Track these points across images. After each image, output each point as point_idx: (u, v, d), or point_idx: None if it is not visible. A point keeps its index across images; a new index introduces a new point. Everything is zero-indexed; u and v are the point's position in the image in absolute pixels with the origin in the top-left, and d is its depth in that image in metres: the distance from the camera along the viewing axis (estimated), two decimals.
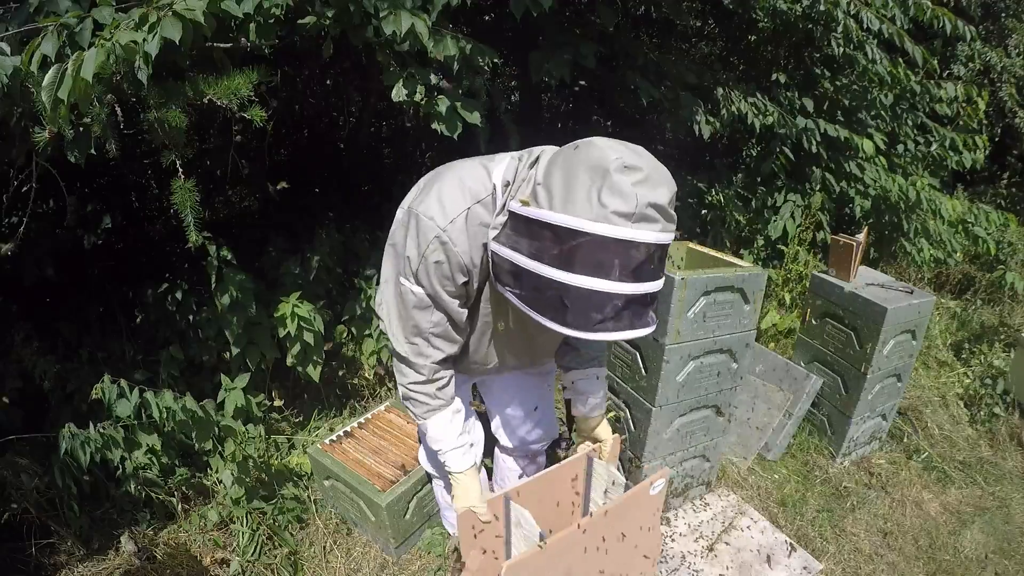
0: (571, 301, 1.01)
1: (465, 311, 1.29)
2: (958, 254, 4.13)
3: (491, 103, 2.27)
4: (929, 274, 4.52)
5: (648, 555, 1.56)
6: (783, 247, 3.60)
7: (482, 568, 1.42)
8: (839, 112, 3.90)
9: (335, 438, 2.19)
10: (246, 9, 1.58)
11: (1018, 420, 3.07)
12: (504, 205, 1.12)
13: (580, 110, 4.83)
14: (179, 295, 2.54)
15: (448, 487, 1.56)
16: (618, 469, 1.67)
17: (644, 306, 1.05)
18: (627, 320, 1.03)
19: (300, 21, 1.81)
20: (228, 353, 2.42)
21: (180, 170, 1.67)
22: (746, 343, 2.14)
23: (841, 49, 3.54)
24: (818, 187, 3.73)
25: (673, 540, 2.19)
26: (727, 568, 2.10)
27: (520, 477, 1.86)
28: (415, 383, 1.34)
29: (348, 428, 2.25)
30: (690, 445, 2.25)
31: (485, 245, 1.17)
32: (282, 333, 2.35)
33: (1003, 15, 5.33)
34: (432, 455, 1.66)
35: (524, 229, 1.05)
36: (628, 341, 2.14)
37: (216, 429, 2.15)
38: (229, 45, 1.80)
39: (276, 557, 2.02)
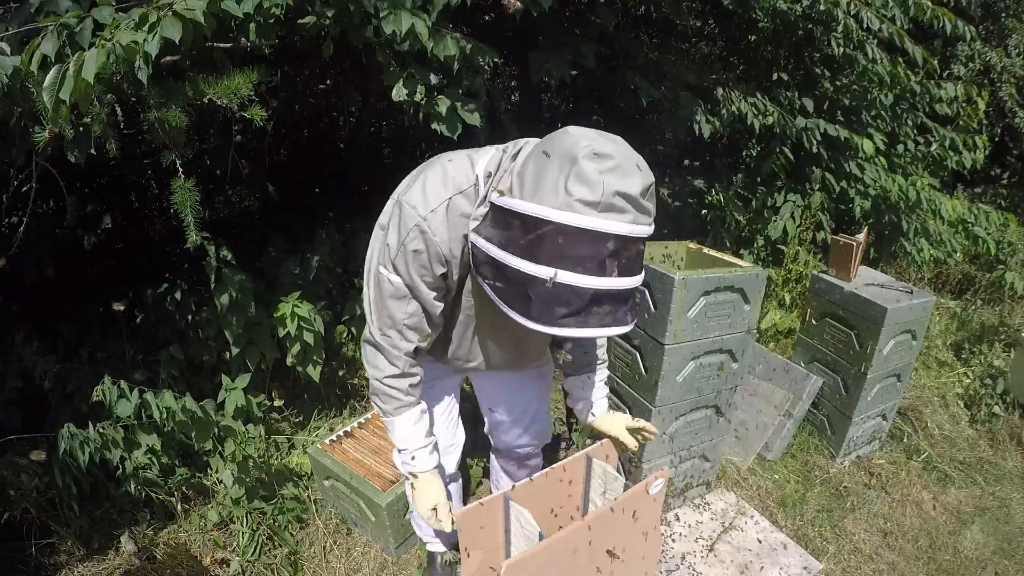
0: (535, 293, 0.98)
1: (441, 304, 1.27)
2: (958, 254, 4.13)
3: (491, 103, 2.27)
4: (929, 274, 4.51)
5: (648, 555, 1.56)
6: (783, 247, 3.60)
7: (481, 568, 1.42)
8: (839, 112, 3.90)
9: (335, 438, 2.19)
10: (246, 9, 1.57)
11: (1018, 420, 3.07)
12: (485, 196, 1.10)
13: (580, 110, 4.82)
14: (179, 295, 2.54)
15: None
16: (617, 469, 1.67)
17: (616, 303, 1.00)
18: (596, 317, 0.98)
19: (300, 21, 1.81)
20: (228, 353, 2.42)
21: (180, 170, 1.67)
22: (746, 343, 2.14)
23: (841, 49, 3.54)
24: (818, 187, 3.73)
25: (673, 540, 2.19)
26: (727, 568, 2.10)
27: (512, 479, 1.85)
28: (390, 377, 1.31)
29: (348, 428, 2.25)
30: (690, 445, 2.25)
31: (466, 236, 1.15)
32: (282, 333, 2.35)
33: (1003, 15, 5.33)
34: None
35: (499, 219, 1.03)
36: (628, 341, 2.14)
37: (216, 429, 2.15)
38: (229, 45, 1.80)
39: (276, 557, 2.02)
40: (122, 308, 2.43)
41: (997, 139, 5.53)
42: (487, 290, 1.09)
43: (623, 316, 1.02)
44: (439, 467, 1.43)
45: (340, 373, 2.81)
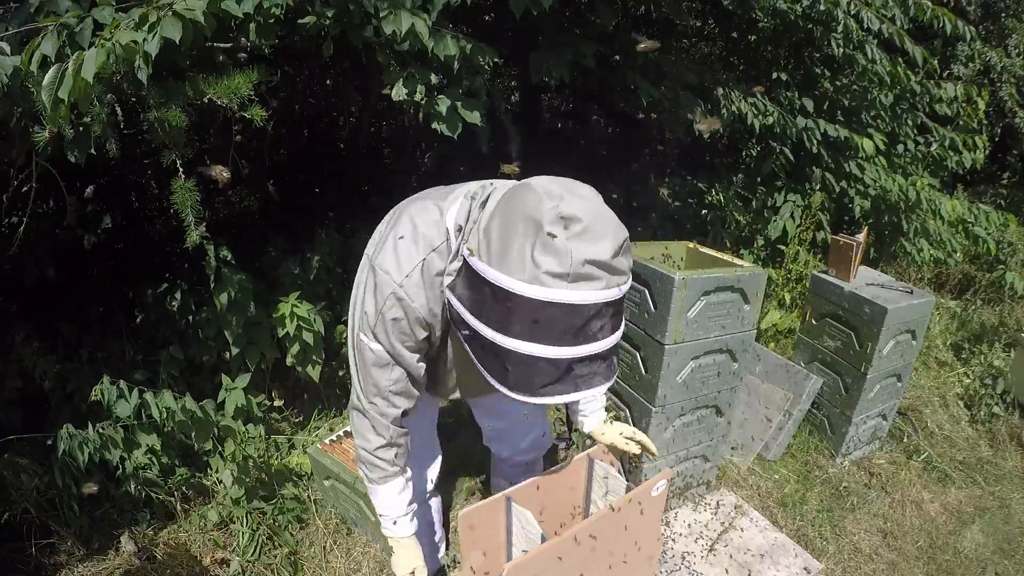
0: (511, 365, 0.95)
1: (424, 365, 1.25)
2: (958, 254, 4.13)
3: (491, 103, 2.27)
4: (929, 274, 4.52)
5: (649, 556, 1.56)
6: (783, 247, 3.60)
7: (482, 569, 1.42)
8: (839, 112, 3.90)
9: (335, 438, 2.19)
10: (246, 9, 1.57)
11: (1018, 420, 3.07)
12: (457, 250, 1.05)
13: (580, 110, 4.83)
14: (179, 295, 2.54)
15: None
16: (619, 471, 1.67)
17: (597, 362, 0.97)
18: (577, 380, 0.96)
19: (300, 21, 1.81)
20: (228, 353, 2.42)
21: (180, 170, 1.67)
22: (746, 343, 2.14)
23: (841, 49, 3.53)
24: (818, 187, 3.73)
25: (673, 540, 2.19)
26: (727, 568, 2.10)
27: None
28: (379, 448, 1.29)
29: (348, 428, 2.25)
30: (690, 445, 2.25)
31: (444, 292, 1.12)
32: (281, 333, 2.35)
33: (1003, 15, 5.33)
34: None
35: (471, 280, 0.98)
36: (628, 341, 2.14)
37: (216, 429, 2.15)
38: (229, 45, 1.80)
39: (276, 557, 2.02)
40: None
41: (997, 139, 5.53)
42: (466, 348, 1.06)
43: (605, 371, 1.00)
44: (416, 533, 1.42)
45: (340, 373, 2.80)
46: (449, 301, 1.06)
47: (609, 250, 0.90)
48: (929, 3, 3.36)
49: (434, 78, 2.00)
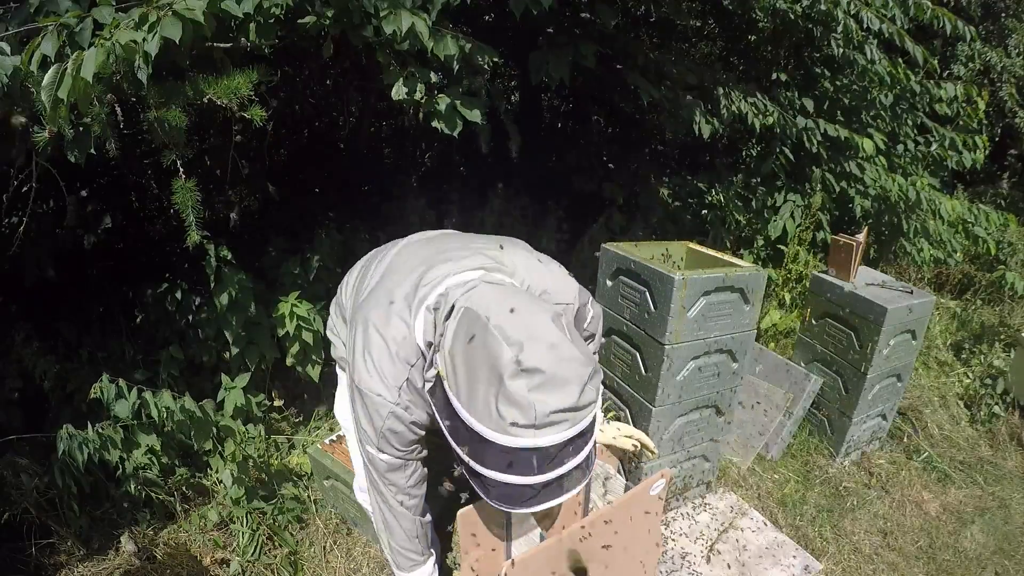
0: (491, 487, 1.00)
1: (427, 449, 1.31)
2: (958, 254, 4.13)
3: (491, 103, 2.27)
4: (929, 274, 4.52)
5: (649, 556, 1.56)
6: (783, 247, 3.60)
7: (482, 569, 1.42)
8: (839, 112, 3.90)
9: (335, 438, 2.19)
10: (246, 9, 1.57)
11: (1018, 420, 3.07)
12: (431, 362, 1.10)
13: (580, 110, 4.83)
14: (179, 295, 2.54)
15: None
16: (618, 470, 1.67)
17: (574, 471, 1.00)
18: (556, 489, 0.99)
19: (300, 21, 1.81)
20: (228, 353, 2.42)
21: (180, 170, 1.67)
22: (746, 343, 2.14)
23: (841, 49, 3.53)
24: (818, 187, 3.73)
25: (673, 540, 2.19)
26: (727, 568, 2.09)
27: None
28: (406, 540, 1.36)
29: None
30: (690, 445, 2.25)
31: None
32: (281, 333, 2.35)
33: (1003, 15, 5.33)
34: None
35: (445, 403, 1.03)
36: (628, 341, 2.14)
37: (216, 429, 2.15)
38: (229, 45, 1.80)
39: (276, 557, 2.02)
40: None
41: (997, 139, 5.54)
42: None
43: (582, 473, 1.02)
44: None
45: None
46: (432, 406, 1.11)
47: (573, 396, 0.93)
48: (929, 3, 3.36)
49: (434, 77, 2.00)
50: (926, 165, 4.20)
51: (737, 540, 2.22)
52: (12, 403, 2.29)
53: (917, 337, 2.63)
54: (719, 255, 2.17)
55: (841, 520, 2.41)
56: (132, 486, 2.09)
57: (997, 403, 3.11)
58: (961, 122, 4.21)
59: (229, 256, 2.39)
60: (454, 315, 1.05)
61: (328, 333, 1.64)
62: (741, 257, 3.39)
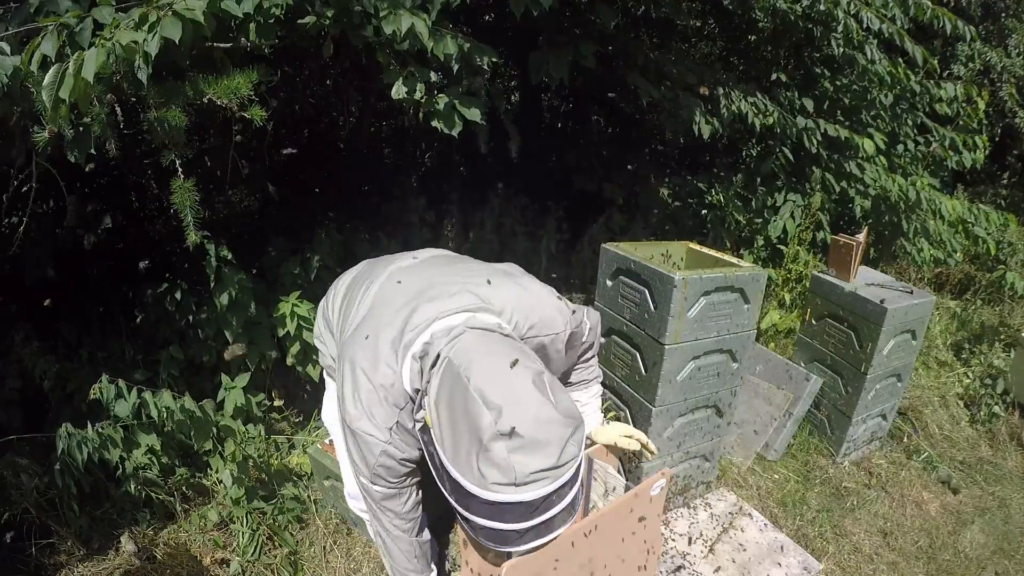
0: (476, 529, 1.02)
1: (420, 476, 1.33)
2: (958, 254, 4.14)
3: (491, 103, 2.27)
4: (929, 274, 4.52)
5: (649, 556, 1.56)
6: (783, 247, 3.60)
7: (482, 569, 1.42)
8: (839, 112, 3.90)
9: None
10: (246, 9, 1.57)
11: (1018, 420, 3.07)
12: (420, 405, 1.13)
13: (580, 110, 4.83)
14: (179, 295, 2.54)
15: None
16: (618, 470, 1.67)
17: (561, 513, 1.03)
18: (546, 527, 1.02)
19: (300, 21, 1.81)
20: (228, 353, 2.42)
21: (180, 170, 1.67)
22: (746, 343, 2.14)
23: (841, 49, 3.54)
24: (818, 187, 3.73)
25: (673, 540, 2.19)
26: (727, 568, 2.09)
27: None
28: (407, 560, 1.38)
29: None
30: (690, 445, 2.25)
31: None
32: (281, 332, 2.35)
33: (1003, 15, 5.33)
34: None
35: (431, 451, 1.07)
36: (628, 341, 2.14)
37: (216, 429, 2.15)
38: (229, 45, 1.80)
39: (276, 557, 2.02)
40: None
41: (997, 139, 5.54)
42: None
43: (567, 513, 1.04)
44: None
45: None
46: (422, 443, 1.14)
47: (553, 457, 0.96)
48: (929, 3, 3.36)
49: (434, 76, 2.00)
50: (926, 165, 4.20)
51: (737, 540, 2.22)
52: (12, 403, 2.29)
53: (917, 337, 2.63)
54: (719, 255, 2.17)
55: (841, 520, 2.41)
56: (132, 486, 2.09)
57: (997, 403, 3.11)
58: (961, 122, 4.21)
59: (229, 256, 2.39)
60: (438, 366, 1.08)
61: (315, 340, 1.64)
62: (741, 257, 3.39)
